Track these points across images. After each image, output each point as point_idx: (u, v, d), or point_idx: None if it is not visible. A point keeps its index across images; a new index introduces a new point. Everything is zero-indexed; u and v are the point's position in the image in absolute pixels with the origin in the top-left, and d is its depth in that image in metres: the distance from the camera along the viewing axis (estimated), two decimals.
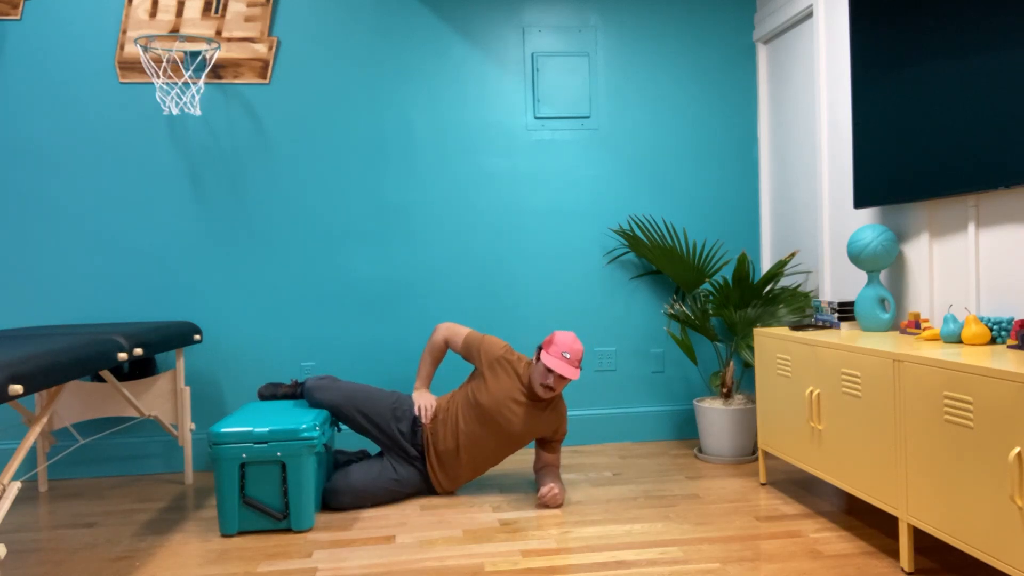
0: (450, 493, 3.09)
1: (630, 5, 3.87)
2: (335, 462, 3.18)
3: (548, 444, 3.10)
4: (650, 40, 3.89)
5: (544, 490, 2.88)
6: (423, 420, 3.01)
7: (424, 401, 3.06)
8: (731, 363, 3.55)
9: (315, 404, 3.06)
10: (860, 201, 2.93)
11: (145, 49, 3.54)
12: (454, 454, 2.99)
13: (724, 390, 3.54)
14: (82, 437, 3.53)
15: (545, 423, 3.02)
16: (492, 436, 2.98)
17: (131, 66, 3.56)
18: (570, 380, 2.91)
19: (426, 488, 3.07)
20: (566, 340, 2.91)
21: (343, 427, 3.72)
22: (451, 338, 3.11)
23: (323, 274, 3.71)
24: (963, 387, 1.95)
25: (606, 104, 3.86)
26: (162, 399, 3.33)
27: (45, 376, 2.02)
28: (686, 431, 3.95)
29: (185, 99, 3.48)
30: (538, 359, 2.94)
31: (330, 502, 2.93)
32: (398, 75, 3.73)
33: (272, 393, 3.25)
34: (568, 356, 2.89)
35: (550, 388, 2.90)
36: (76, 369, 2.19)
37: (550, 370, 2.89)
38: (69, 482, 3.48)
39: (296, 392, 3.25)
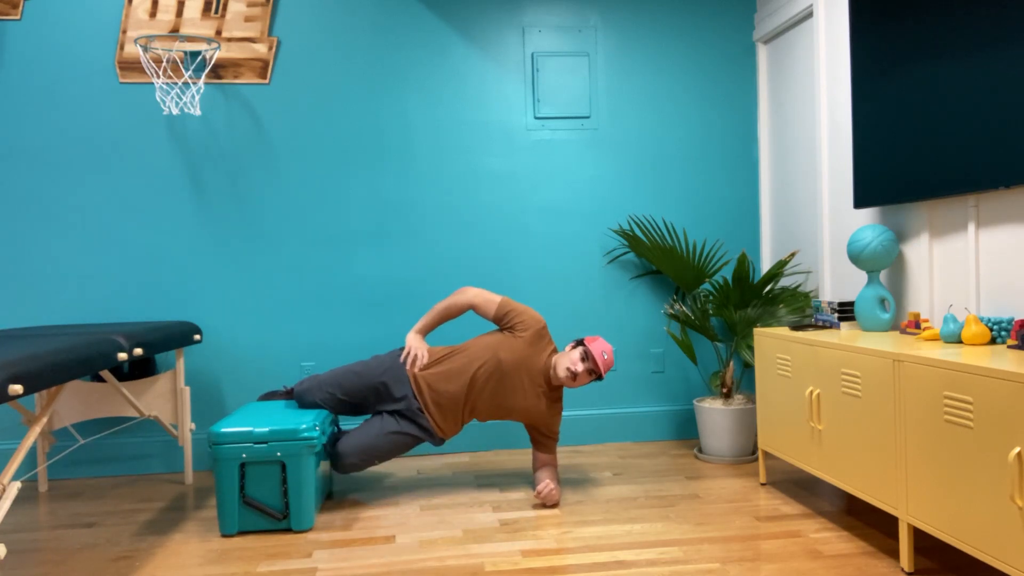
0: (446, 438, 3.07)
1: (630, 5, 3.87)
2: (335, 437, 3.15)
3: (544, 445, 3.10)
4: (650, 40, 3.89)
5: (541, 486, 2.89)
6: (408, 367, 2.96)
7: (418, 347, 3.00)
8: (731, 363, 3.55)
9: (308, 406, 3.04)
10: (860, 201, 2.93)
11: (145, 49, 3.54)
12: (460, 399, 2.95)
13: (724, 390, 3.54)
14: (82, 437, 3.53)
15: (542, 409, 3.01)
16: (491, 393, 2.97)
17: (131, 66, 3.56)
18: (591, 380, 2.94)
19: (427, 436, 3.00)
20: (608, 345, 2.96)
21: (343, 424, 3.72)
22: (481, 304, 3.02)
23: (323, 274, 3.71)
24: (963, 387, 1.95)
25: (606, 104, 3.86)
26: (162, 399, 3.33)
27: (45, 376, 2.02)
28: (686, 431, 3.95)
29: (185, 99, 3.48)
30: (574, 347, 2.97)
31: (338, 467, 2.94)
32: (398, 75, 3.73)
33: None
34: (606, 357, 2.93)
35: (572, 376, 2.91)
36: (76, 369, 2.19)
37: (585, 357, 2.91)
38: (69, 482, 3.48)
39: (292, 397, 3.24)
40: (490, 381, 2.96)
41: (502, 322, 3.04)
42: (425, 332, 3.09)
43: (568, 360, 2.92)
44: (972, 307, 2.53)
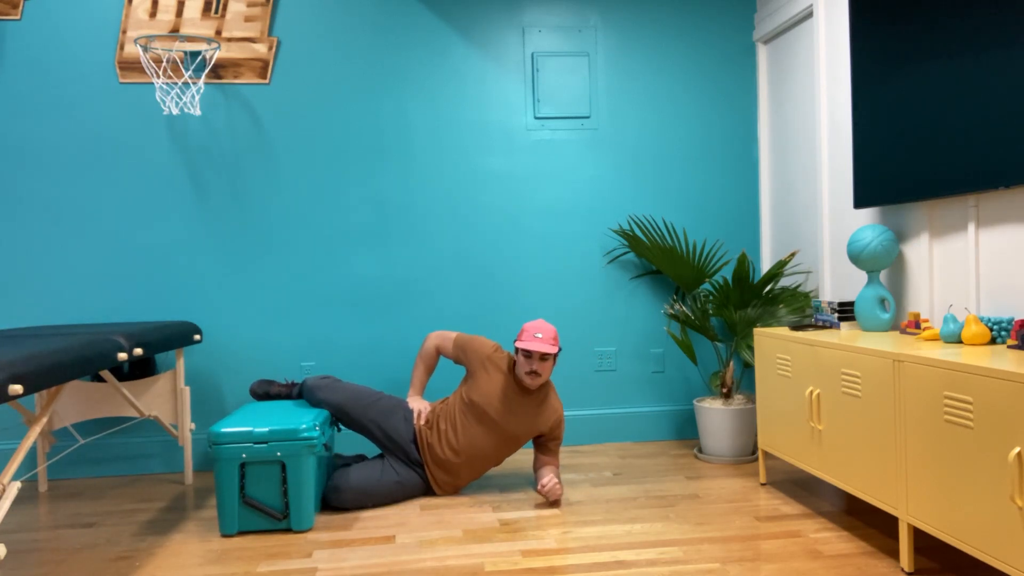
0: (450, 494, 3.10)
1: (630, 5, 3.87)
2: (333, 466, 3.18)
3: (546, 447, 3.10)
4: (650, 40, 3.89)
5: (545, 480, 2.89)
6: (415, 422, 3.04)
7: (418, 405, 3.11)
8: (731, 363, 3.55)
9: (316, 403, 3.06)
10: (860, 201, 2.93)
11: (145, 49, 3.54)
12: (453, 456, 3.00)
13: (724, 390, 3.54)
14: (82, 437, 3.53)
15: (541, 419, 3.03)
16: (489, 434, 2.99)
17: (131, 66, 3.56)
18: (551, 358, 2.96)
19: (427, 490, 3.07)
20: (534, 324, 3.00)
21: (343, 428, 3.72)
22: (441, 344, 3.17)
23: (323, 274, 3.70)
24: (963, 387, 1.95)
25: (606, 104, 3.86)
26: (162, 399, 3.33)
27: (45, 376, 2.02)
28: (686, 431, 3.95)
29: (185, 99, 3.48)
30: (518, 354, 3.00)
31: (332, 501, 2.93)
32: (398, 75, 3.73)
33: (265, 391, 3.25)
34: (540, 336, 2.94)
35: (535, 373, 2.95)
36: (76, 369, 2.19)
37: (528, 354, 2.93)
38: (69, 482, 3.48)
39: (291, 393, 3.24)
40: (480, 427, 2.99)
41: (460, 362, 3.15)
42: (420, 391, 3.21)
43: (521, 367, 2.97)
44: (972, 307, 2.53)
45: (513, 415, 2.99)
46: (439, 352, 3.19)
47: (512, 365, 3.05)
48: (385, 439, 3.03)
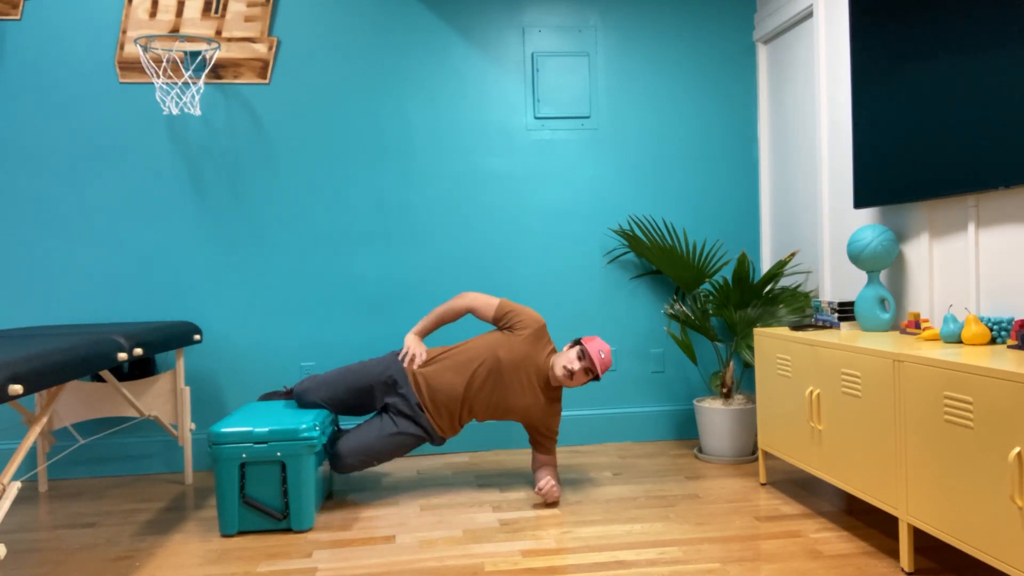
0: (448, 435, 3.07)
1: (630, 5, 3.87)
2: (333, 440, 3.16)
3: (542, 445, 3.10)
4: (650, 40, 3.89)
5: (542, 483, 2.89)
6: (407, 365, 2.98)
7: (415, 347, 3.03)
8: (731, 363, 3.55)
9: (311, 406, 3.05)
10: (860, 201, 2.93)
11: (145, 49, 3.54)
12: (458, 396, 2.95)
13: (724, 390, 3.54)
14: (82, 437, 3.53)
15: (540, 410, 3.02)
16: (491, 390, 2.97)
17: (131, 66, 3.56)
18: (589, 380, 2.94)
19: (426, 436, 3.01)
20: (606, 345, 2.95)
21: (343, 424, 3.72)
22: (479, 307, 3.04)
23: (323, 274, 3.71)
24: (963, 387, 1.95)
25: (606, 104, 3.86)
26: (162, 399, 3.33)
27: (45, 376, 2.02)
28: (686, 431, 3.95)
29: (185, 99, 3.48)
30: (571, 347, 2.97)
31: (337, 467, 2.94)
32: (398, 75, 3.73)
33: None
34: (603, 355, 2.91)
35: (569, 375, 2.90)
36: (76, 369, 2.19)
37: (582, 356, 2.91)
38: (69, 482, 3.48)
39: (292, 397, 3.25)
40: (488, 380, 2.96)
41: (501, 323, 3.06)
42: (423, 334, 3.11)
43: (565, 359, 2.92)
44: (972, 307, 2.53)
45: (520, 390, 2.97)
46: (469, 312, 3.06)
47: (549, 351, 3.02)
48: (384, 394, 3.01)
